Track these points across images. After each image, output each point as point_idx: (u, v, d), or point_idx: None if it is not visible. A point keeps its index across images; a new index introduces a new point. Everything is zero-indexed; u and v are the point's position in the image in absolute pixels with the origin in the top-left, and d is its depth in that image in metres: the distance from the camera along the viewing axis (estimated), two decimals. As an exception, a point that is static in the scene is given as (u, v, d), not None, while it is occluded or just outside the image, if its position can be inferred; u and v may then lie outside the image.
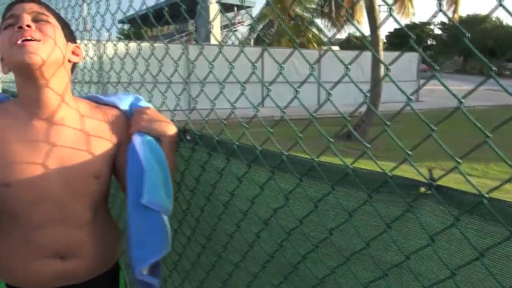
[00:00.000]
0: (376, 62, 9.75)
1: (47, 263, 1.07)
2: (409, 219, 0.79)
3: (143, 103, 1.23)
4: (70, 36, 1.10)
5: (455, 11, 10.11)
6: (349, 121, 0.84)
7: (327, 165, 0.89)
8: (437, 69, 0.69)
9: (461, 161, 0.67)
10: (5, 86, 2.68)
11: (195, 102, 1.16)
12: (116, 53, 1.72)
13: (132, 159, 1.10)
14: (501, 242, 0.66)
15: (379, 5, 9.93)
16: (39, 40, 0.96)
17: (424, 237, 0.76)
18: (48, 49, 0.98)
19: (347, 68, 0.86)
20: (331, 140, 0.84)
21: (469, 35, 0.67)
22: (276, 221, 1.02)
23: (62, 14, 2.27)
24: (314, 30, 23.33)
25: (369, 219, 0.85)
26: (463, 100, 0.66)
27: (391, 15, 0.72)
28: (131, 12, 1.58)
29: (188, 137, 1.24)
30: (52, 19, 1.03)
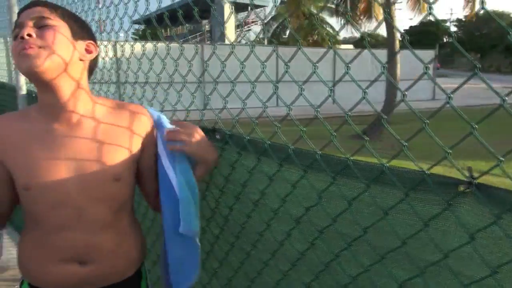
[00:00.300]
0: (392, 60, 9.67)
1: (65, 267, 1.08)
2: (447, 217, 0.79)
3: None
4: (81, 33, 1.07)
5: (472, 8, 9.95)
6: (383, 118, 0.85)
7: (361, 164, 0.89)
8: (478, 66, 0.69)
9: (503, 159, 0.67)
10: (31, 87, 2.74)
11: (226, 102, 1.18)
12: (132, 53, 1.75)
13: (166, 186, 1.13)
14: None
15: (394, 2, 9.85)
16: (40, 48, 0.96)
17: (463, 236, 0.76)
18: (49, 54, 0.97)
19: (347, 67, 0.88)
20: (366, 138, 0.85)
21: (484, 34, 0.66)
22: (308, 220, 1.03)
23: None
24: (328, 28, 23.24)
25: (405, 217, 0.85)
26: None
27: (430, 13, 0.72)
28: (145, 12, 1.62)
29: (218, 137, 1.26)
30: (56, 21, 1.01)
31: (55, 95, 1.02)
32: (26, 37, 0.96)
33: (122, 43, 1.85)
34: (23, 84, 2.72)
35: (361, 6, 10.02)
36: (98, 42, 1.16)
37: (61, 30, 1.01)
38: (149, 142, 1.16)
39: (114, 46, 2.40)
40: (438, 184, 0.77)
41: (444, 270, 0.81)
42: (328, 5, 20.85)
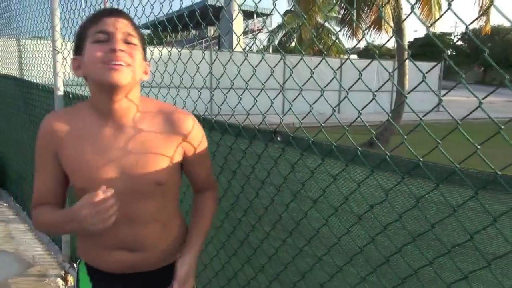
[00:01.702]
0: (401, 72, 9.79)
1: (116, 254, 1.20)
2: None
3: None
4: (144, 54, 1.15)
5: (486, 22, 10.08)
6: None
7: (430, 165, 0.98)
8: (507, 77, 0.77)
9: None
10: (68, 89, 2.84)
11: (291, 105, 1.27)
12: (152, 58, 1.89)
13: None
14: None
15: (405, 14, 9.97)
16: (127, 65, 1.04)
17: (487, 220, 0.85)
18: (132, 73, 1.06)
19: (360, 74, 0.98)
20: (439, 141, 0.94)
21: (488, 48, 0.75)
22: (373, 216, 1.11)
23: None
24: (334, 38, 23.40)
25: (472, 214, 0.94)
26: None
27: (468, 24, 0.81)
28: (152, 17, 1.77)
29: (279, 138, 1.35)
30: (137, 40, 1.09)
31: (116, 104, 1.10)
32: (119, 52, 1.03)
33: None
34: (61, 86, 2.81)
35: (372, 17, 10.15)
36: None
37: (139, 51, 1.10)
38: (193, 146, 1.22)
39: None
40: (509, 184, 0.86)
41: (468, 250, 0.90)
42: (335, 14, 21.04)
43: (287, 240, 1.44)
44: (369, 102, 1.10)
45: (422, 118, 0.98)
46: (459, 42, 40.98)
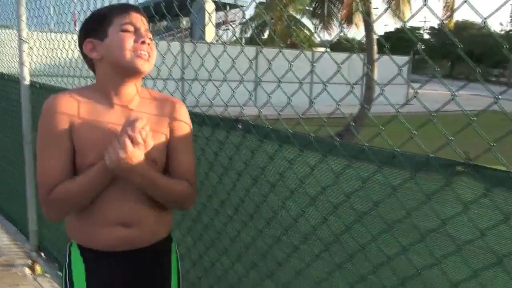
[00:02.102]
0: (370, 64, 10.01)
1: (113, 230, 1.24)
2: (445, 192, 0.97)
3: None
4: None
5: (450, 18, 10.43)
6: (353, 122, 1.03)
7: (375, 149, 1.07)
8: (479, 71, 0.87)
9: (494, 144, 0.86)
10: (34, 79, 2.82)
11: (251, 95, 1.34)
12: None
13: None
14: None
15: (375, 8, 10.20)
16: (149, 57, 1.21)
17: (459, 207, 0.95)
18: (152, 64, 1.24)
19: (339, 67, 1.07)
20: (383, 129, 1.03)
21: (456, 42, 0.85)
22: (326, 198, 1.20)
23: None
24: (306, 31, 23.63)
25: (410, 193, 1.04)
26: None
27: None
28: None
29: (240, 126, 1.42)
30: (151, 36, 1.25)
31: (128, 86, 1.24)
32: (147, 45, 1.20)
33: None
34: (27, 75, 2.79)
35: (343, 12, 10.33)
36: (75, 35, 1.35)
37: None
38: (179, 130, 1.32)
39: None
40: (440, 165, 0.96)
41: (442, 236, 1.00)
42: (307, 7, 21.21)
43: (249, 223, 1.52)
44: (346, 95, 1.17)
45: (398, 110, 1.04)
46: (427, 36, 42.09)
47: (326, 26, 12.22)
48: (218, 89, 1.48)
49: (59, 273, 2.87)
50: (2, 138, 3.37)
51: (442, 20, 0.97)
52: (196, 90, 1.61)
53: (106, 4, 2.03)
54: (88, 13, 2.34)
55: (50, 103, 1.21)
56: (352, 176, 1.14)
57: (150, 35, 1.23)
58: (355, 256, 1.18)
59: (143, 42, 1.19)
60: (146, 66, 1.20)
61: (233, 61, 1.40)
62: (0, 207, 3.87)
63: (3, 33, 3.66)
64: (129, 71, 1.20)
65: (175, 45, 12.66)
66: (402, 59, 17.50)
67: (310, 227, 1.28)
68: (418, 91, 1.05)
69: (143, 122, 1.10)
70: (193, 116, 1.61)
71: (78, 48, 1.29)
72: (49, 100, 1.22)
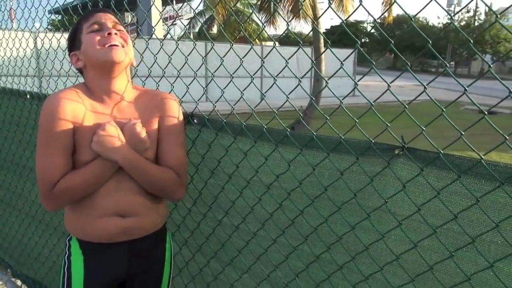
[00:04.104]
0: (317, 58, 10.27)
1: (110, 220, 1.29)
2: (387, 173, 1.08)
3: None
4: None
5: (389, 13, 10.90)
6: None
7: (323, 137, 1.16)
8: (447, 65, 0.98)
9: (424, 128, 0.97)
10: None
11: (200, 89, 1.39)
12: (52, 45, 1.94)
13: None
14: (451, 183, 0.97)
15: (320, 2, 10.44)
16: (122, 46, 1.25)
17: (398, 186, 1.06)
18: (127, 52, 1.27)
19: (287, 62, 1.16)
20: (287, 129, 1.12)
21: (396, 36, 0.96)
22: (279, 185, 1.28)
23: None
24: (254, 25, 23.73)
25: (355, 176, 1.14)
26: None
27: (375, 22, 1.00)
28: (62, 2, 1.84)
29: (195, 121, 1.47)
30: (123, 29, 1.30)
31: (113, 82, 1.27)
32: (114, 35, 1.24)
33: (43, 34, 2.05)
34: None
35: (288, 5, 10.51)
36: (13, 33, 1.38)
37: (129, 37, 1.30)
38: (167, 121, 1.35)
39: (33, 36, 2.57)
40: (380, 149, 1.06)
41: (384, 213, 1.11)
42: (254, 1, 21.30)
43: (207, 214, 1.58)
44: (294, 88, 1.25)
45: (342, 101, 1.13)
46: (371, 30, 43.59)
47: (272, 21, 12.37)
48: (172, 85, 1.52)
49: (13, 279, 2.80)
50: None
51: (375, 19, 1.07)
52: (150, 87, 1.64)
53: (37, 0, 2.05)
54: (26, 10, 2.32)
55: (51, 102, 1.23)
56: (302, 163, 1.23)
57: (119, 27, 1.29)
58: (309, 237, 1.27)
59: (109, 34, 1.24)
60: (119, 54, 1.23)
61: (186, 58, 1.44)
62: None
63: None
64: (106, 65, 1.23)
65: (142, 42, 12.34)
66: (348, 52, 18.07)
67: (266, 213, 1.36)
68: (363, 83, 1.15)
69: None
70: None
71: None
72: (49, 98, 1.24)
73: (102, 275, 1.34)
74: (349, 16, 1.28)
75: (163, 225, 1.45)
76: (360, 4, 1.03)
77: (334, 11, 1.20)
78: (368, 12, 1.06)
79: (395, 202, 1.09)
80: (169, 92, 1.43)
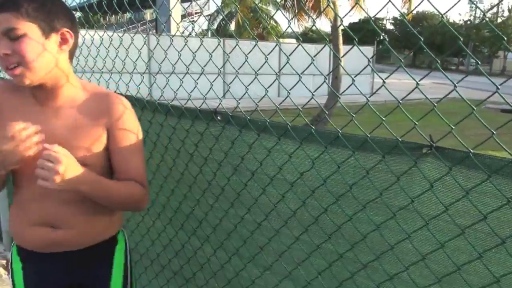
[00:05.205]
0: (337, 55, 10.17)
1: (38, 230, 1.21)
2: (413, 172, 1.07)
3: None
4: (52, 25, 1.09)
5: (409, 9, 10.75)
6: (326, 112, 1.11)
7: (348, 136, 1.16)
8: (438, 61, 0.96)
9: (454, 127, 0.96)
10: None
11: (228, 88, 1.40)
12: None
13: None
14: (480, 183, 0.95)
15: None
16: (18, 65, 1.05)
17: (425, 185, 1.04)
18: (28, 69, 1.06)
19: (313, 59, 1.16)
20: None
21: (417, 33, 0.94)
22: (303, 182, 1.28)
23: None
24: (273, 22, 23.67)
25: (381, 175, 1.13)
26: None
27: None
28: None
29: (219, 118, 1.47)
30: (23, 26, 1.03)
31: (42, 88, 1.14)
32: (5, 58, 1.04)
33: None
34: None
35: (310, 4, 10.46)
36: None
37: (31, 36, 1.05)
38: (119, 130, 1.22)
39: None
40: (407, 148, 1.05)
41: (410, 212, 1.10)
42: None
43: (230, 211, 1.58)
44: (321, 85, 1.24)
45: (368, 99, 1.11)
46: (390, 27, 43.08)
47: (298, 18, 12.33)
48: (196, 82, 1.53)
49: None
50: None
51: (403, 14, 1.05)
52: (167, 83, 1.66)
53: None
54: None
55: None
56: (327, 161, 1.22)
57: (15, 33, 1.03)
58: (333, 235, 1.27)
59: (4, 55, 1.04)
60: (21, 82, 1.07)
61: (211, 54, 1.45)
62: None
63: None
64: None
65: (153, 39, 12.50)
66: (366, 50, 17.90)
67: (289, 211, 1.36)
68: (379, 80, 1.14)
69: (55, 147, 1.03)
70: (172, 108, 1.66)
71: None
72: None
73: (41, 284, 1.27)
74: (378, 13, 1.26)
75: (110, 236, 1.34)
76: (389, 1, 1.01)
77: (396, 8, 1.18)
78: (398, 9, 1.04)
79: (421, 202, 1.08)
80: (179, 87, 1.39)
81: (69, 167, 1.05)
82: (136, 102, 1.78)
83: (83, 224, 1.24)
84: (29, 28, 1.05)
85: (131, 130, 1.24)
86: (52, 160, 1.02)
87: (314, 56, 1.21)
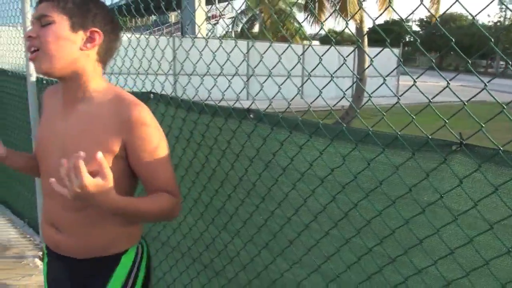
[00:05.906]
0: (361, 57, 10.15)
1: (48, 229, 1.26)
2: (442, 169, 1.10)
3: None
4: (83, 23, 1.11)
5: (436, 11, 10.63)
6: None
7: (379, 133, 1.20)
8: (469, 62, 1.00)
9: (484, 125, 0.99)
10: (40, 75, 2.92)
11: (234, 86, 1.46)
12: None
13: None
14: (510, 180, 0.98)
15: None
16: (37, 49, 1.07)
17: (454, 182, 1.08)
18: (45, 56, 1.07)
19: (320, 59, 1.19)
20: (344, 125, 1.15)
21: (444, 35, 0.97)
22: (334, 178, 1.33)
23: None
24: (296, 24, 23.67)
25: (410, 171, 1.17)
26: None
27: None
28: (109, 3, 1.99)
29: (252, 115, 1.53)
30: (55, 16, 1.07)
31: (64, 83, 1.17)
32: (28, 39, 1.09)
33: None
34: (33, 72, 2.87)
35: (338, 5, 10.48)
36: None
37: (58, 25, 1.08)
38: (137, 139, 1.13)
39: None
40: (437, 145, 1.09)
41: (439, 208, 1.13)
42: (299, 1, 21.29)
43: (260, 205, 1.64)
44: (350, 87, 1.30)
45: (399, 97, 1.15)
46: (416, 28, 42.48)
47: (318, 20, 12.34)
48: (230, 82, 1.59)
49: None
50: (9, 134, 3.45)
51: (436, 18, 1.09)
52: (201, 83, 1.73)
53: None
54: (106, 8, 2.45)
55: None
56: (356, 158, 1.27)
57: (45, 20, 1.07)
58: (362, 230, 1.31)
59: (28, 37, 1.08)
60: (36, 65, 1.09)
61: (245, 55, 1.51)
62: (5, 202, 3.95)
63: (5, 30, 3.72)
64: None
65: (187, 41, 12.74)
66: (390, 52, 17.76)
67: (318, 206, 1.41)
68: (405, 83, 1.17)
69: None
70: (205, 107, 1.73)
71: None
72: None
73: (55, 282, 1.31)
74: (410, 14, 1.30)
75: (114, 254, 1.26)
76: (421, 3, 1.05)
77: (428, 9, 1.22)
78: (429, 11, 1.08)
79: (450, 198, 1.11)
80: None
81: (94, 190, 0.93)
82: (172, 101, 1.86)
83: (85, 234, 1.20)
84: (59, 18, 1.08)
85: (153, 142, 1.15)
86: (77, 176, 0.91)
87: (347, 56, 1.26)
